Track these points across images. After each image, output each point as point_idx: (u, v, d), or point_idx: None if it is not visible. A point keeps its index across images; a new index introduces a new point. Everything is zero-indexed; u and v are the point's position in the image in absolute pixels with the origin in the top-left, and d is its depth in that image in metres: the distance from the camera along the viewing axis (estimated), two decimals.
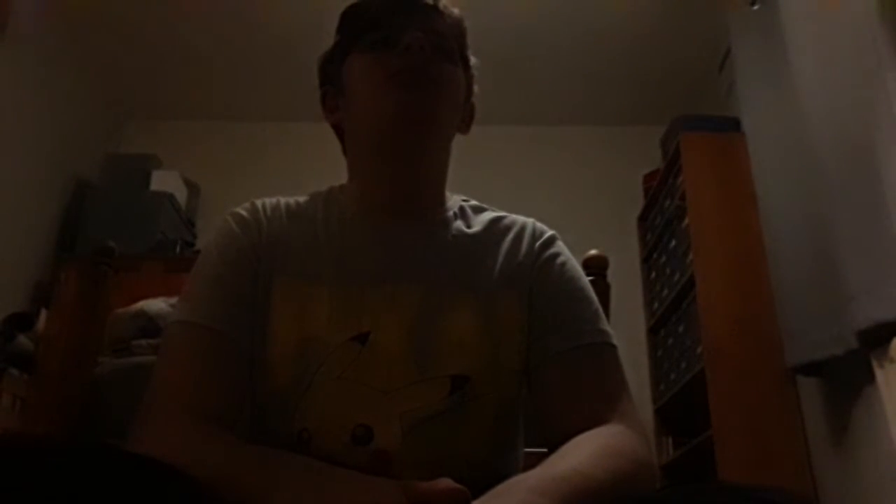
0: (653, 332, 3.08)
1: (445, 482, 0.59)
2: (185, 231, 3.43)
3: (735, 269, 2.46)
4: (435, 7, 0.89)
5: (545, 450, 0.76)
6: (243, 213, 0.88)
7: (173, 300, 1.87)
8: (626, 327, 2.14)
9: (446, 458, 0.74)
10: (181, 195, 3.48)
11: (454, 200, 0.94)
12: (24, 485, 0.48)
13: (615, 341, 0.84)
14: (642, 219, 3.32)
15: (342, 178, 0.93)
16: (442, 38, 0.87)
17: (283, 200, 0.91)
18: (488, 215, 0.93)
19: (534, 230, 0.92)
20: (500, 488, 0.62)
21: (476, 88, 0.96)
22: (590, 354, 0.82)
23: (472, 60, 0.94)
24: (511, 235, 0.90)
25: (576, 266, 0.90)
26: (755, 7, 2.49)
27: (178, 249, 3.17)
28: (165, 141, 3.68)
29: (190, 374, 0.76)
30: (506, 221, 0.93)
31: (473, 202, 0.96)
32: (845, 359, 1.84)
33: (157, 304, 1.99)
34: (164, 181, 3.41)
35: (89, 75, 3.48)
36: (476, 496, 0.60)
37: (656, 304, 3.04)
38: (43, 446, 0.53)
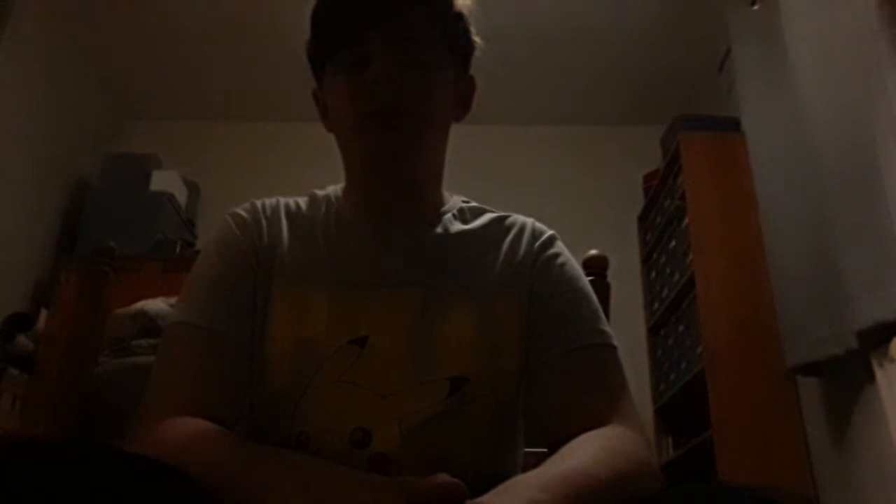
0: (653, 332, 3.08)
1: (442, 477, 0.59)
2: (185, 231, 3.43)
3: (735, 269, 2.46)
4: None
5: (545, 450, 0.76)
6: (243, 213, 0.87)
7: (173, 300, 1.87)
8: (626, 327, 2.14)
9: (445, 461, 0.73)
10: (181, 195, 3.48)
11: (454, 202, 0.94)
12: (24, 485, 0.48)
13: (615, 342, 0.84)
14: (642, 219, 3.32)
15: (342, 177, 0.92)
16: (415, 41, 0.82)
17: (282, 201, 0.90)
18: (488, 216, 0.93)
19: (533, 230, 0.91)
20: (504, 486, 0.62)
21: (477, 49, 0.90)
22: (590, 355, 0.82)
23: (470, 31, 0.88)
24: (510, 236, 0.90)
25: (575, 266, 0.90)
26: (755, 7, 2.49)
27: (178, 249, 3.17)
28: (165, 141, 3.67)
29: (188, 375, 0.76)
30: (505, 222, 0.92)
31: (473, 203, 0.95)
32: (845, 359, 1.84)
33: (157, 304, 1.99)
34: (164, 181, 3.40)
35: (89, 75, 3.48)
36: (476, 497, 0.60)
37: (656, 304, 3.04)
38: (43, 446, 0.52)
